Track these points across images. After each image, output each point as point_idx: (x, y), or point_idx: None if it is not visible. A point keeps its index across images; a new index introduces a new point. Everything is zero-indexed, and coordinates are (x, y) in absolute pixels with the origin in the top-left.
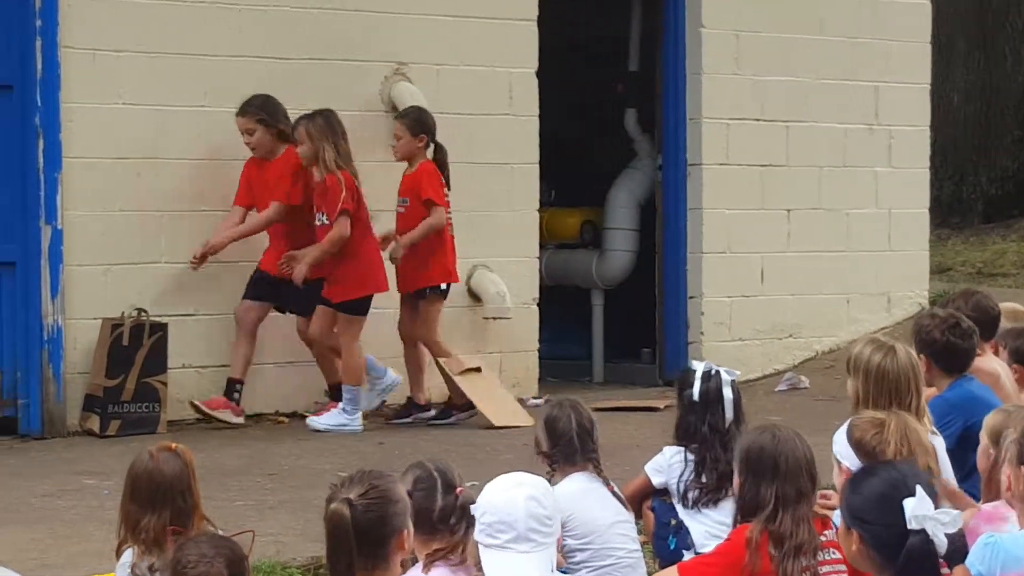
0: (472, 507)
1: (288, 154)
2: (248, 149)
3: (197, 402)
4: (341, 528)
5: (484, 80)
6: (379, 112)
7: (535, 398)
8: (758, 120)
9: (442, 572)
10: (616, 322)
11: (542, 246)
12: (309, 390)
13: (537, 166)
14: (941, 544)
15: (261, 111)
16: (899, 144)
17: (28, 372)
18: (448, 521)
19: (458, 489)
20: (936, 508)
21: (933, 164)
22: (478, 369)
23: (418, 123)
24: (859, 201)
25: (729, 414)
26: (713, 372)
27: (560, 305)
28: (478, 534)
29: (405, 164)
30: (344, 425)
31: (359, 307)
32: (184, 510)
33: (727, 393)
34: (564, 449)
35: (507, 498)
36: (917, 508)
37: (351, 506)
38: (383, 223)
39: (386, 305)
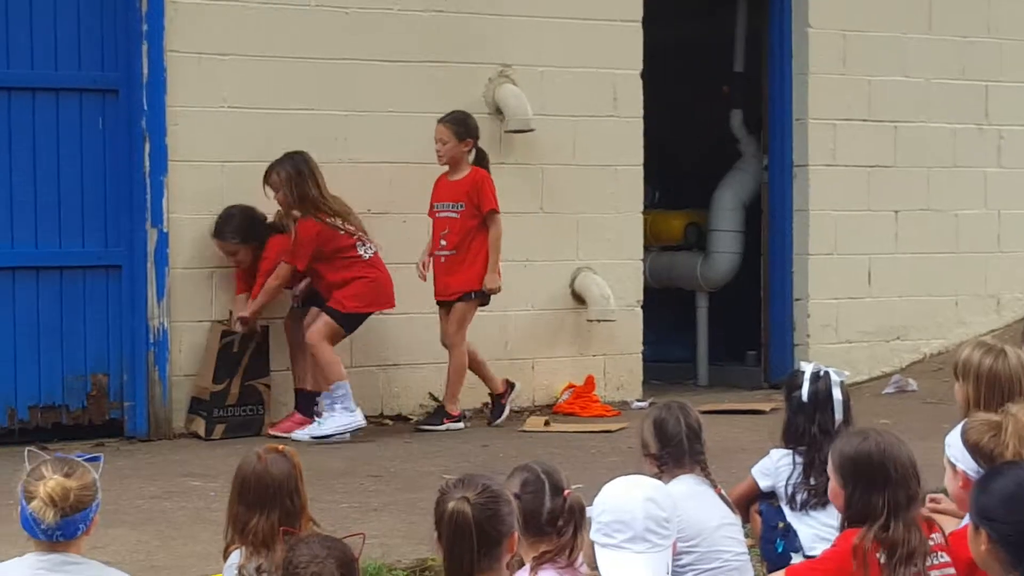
0: (588, 507)
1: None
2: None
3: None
4: (464, 526)
5: (589, 82)
6: (484, 114)
7: (639, 401)
8: (865, 120)
9: (549, 575)
10: (721, 324)
11: (646, 248)
12: (414, 392)
13: (641, 168)
14: None
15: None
16: (1009, 144)
17: (134, 375)
18: (556, 523)
19: (566, 491)
20: None
21: None
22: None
23: (463, 127)
24: (968, 202)
25: (839, 415)
26: (822, 373)
27: (664, 307)
28: (594, 533)
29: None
30: (349, 424)
31: (352, 321)
32: (292, 511)
33: (836, 394)
34: (673, 451)
35: (625, 498)
36: None
37: (473, 506)
38: (511, 225)
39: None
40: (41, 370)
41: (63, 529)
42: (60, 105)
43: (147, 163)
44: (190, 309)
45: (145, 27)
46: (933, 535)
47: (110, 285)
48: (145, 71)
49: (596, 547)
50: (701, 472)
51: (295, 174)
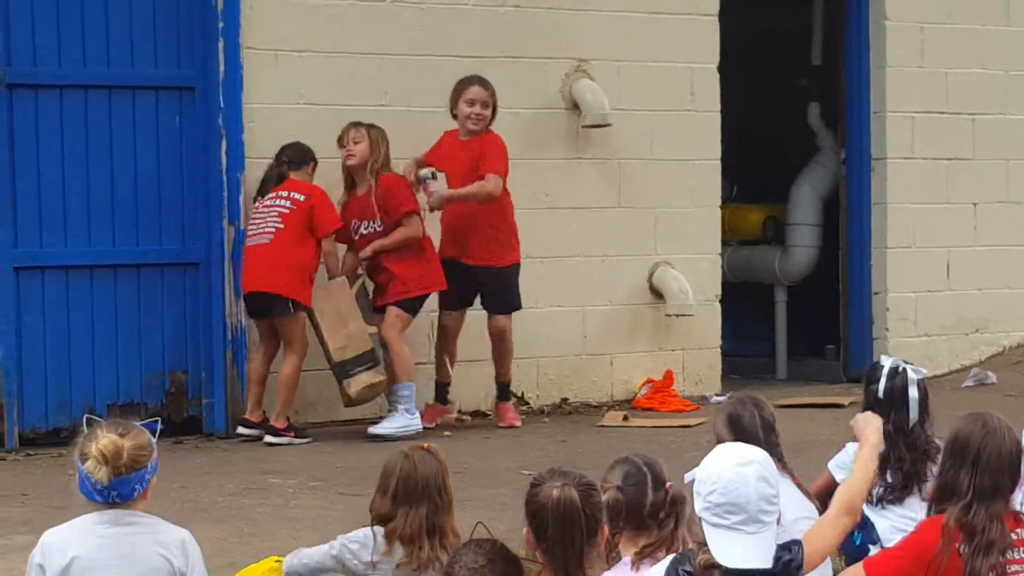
0: (691, 480)
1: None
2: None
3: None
4: (574, 512)
5: (665, 76)
6: (560, 110)
7: (718, 395)
8: (943, 113)
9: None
10: (799, 318)
11: (724, 242)
12: (490, 387)
13: (719, 162)
14: None
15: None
16: None
17: (212, 372)
18: (658, 516)
19: (668, 484)
20: None
21: None
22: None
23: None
24: None
25: (913, 414)
26: (900, 369)
27: (743, 302)
28: (703, 511)
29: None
30: (407, 426)
31: (414, 305)
32: (440, 507)
33: (912, 392)
34: (748, 443)
35: (738, 478)
36: None
37: (578, 493)
38: (571, 221)
39: None
40: (119, 368)
41: (118, 489)
42: (136, 103)
43: (224, 160)
44: None
45: (221, 24)
46: (1018, 529)
47: (187, 282)
48: (221, 68)
49: (705, 525)
50: (778, 464)
51: (382, 137)
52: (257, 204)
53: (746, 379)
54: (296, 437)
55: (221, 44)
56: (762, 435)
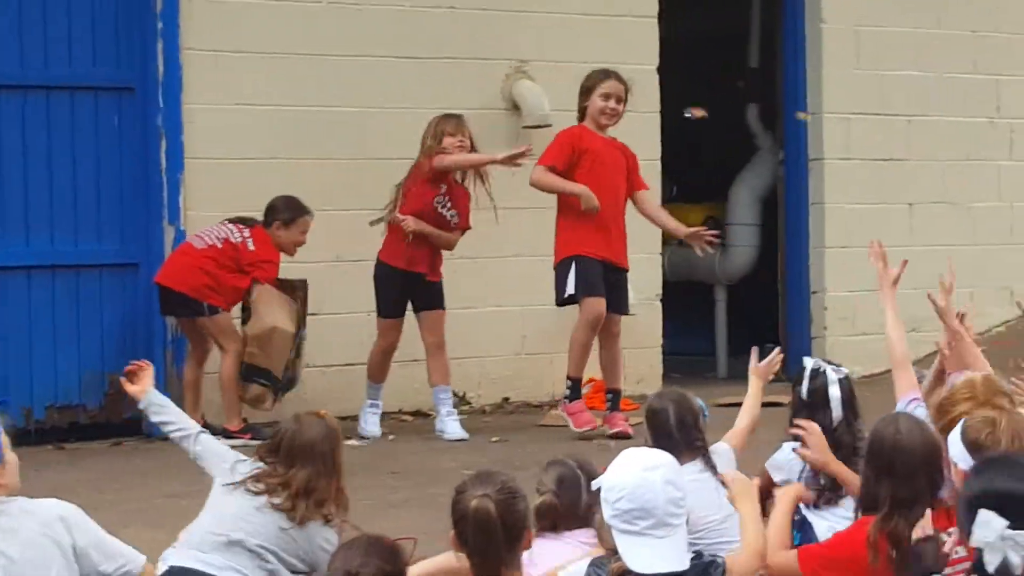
0: (598, 487)
1: None
2: None
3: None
4: (489, 523)
5: None
6: (500, 110)
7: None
8: (879, 114)
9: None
10: (739, 317)
11: (664, 242)
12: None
13: (659, 162)
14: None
15: None
16: (1021, 137)
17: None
18: (593, 513)
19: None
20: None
21: None
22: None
23: None
24: (981, 194)
25: (836, 413)
26: (821, 370)
27: (683, 301)
28: (612, 519)
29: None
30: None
31: None
32: (322, 472)
33: (834, 392)
34: (666, 442)
35: (644, 483)
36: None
37: (495, 503)
38: (513, 221)
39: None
40: (58, 369)
41: None
42: (75, 103)
43: (163, 161)
44: None
45: (160, 25)
46: (952, 528)
47: (127, 283)
48: (161, 69)
49: (615, 532)
50: (702, 460)
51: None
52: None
53: (687, 378)
54: (253, 438)
55: (160, 45)
56: (679, 432)
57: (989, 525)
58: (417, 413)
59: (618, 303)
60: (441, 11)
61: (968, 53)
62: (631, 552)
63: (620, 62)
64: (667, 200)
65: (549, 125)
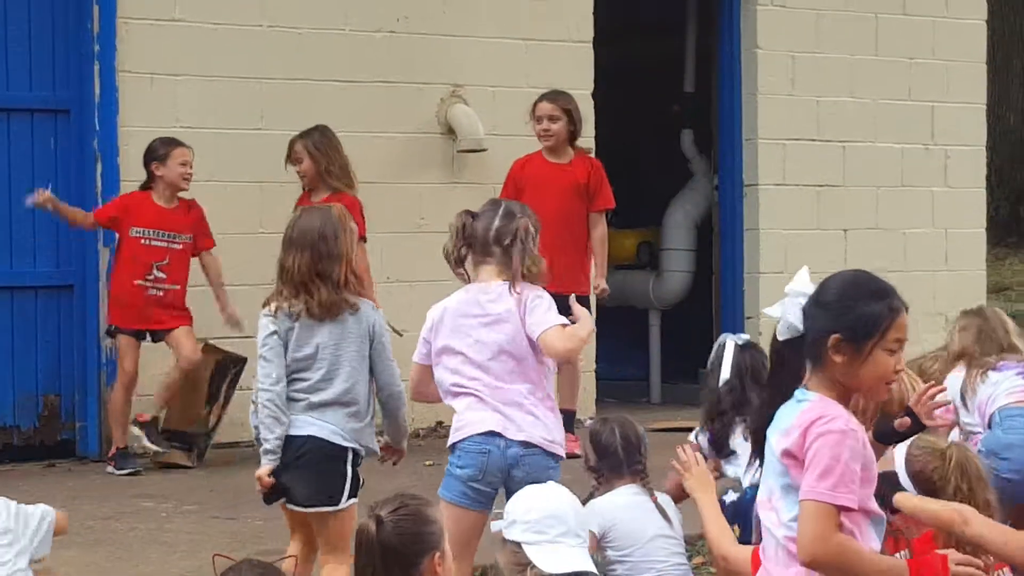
0: (502, 521)
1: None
2: None
3: None
4: (366, 543)
5: None
6: (435, 134)
7: (591, 418)
8: (814, 140)
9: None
10: (673, 342)
11: None
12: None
13: None
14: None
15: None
16: (955, 164)
17: (86, 395)
18: (502, 243)
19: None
20: None
21: (989, 184)
22: None
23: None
24: (916, 220)
25: (725, 375)
26: (723, 342)
27: (617, 326)
28: (523, 534)
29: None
30: None
31: None
32: (325, 255)
33: (727, 357)
34: (609, 461)
35: (551, 495)
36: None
37: (380, 523)
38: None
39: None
40: None
41: None
42: (11, 125)
43: (99, 183)
44: None
45: (97, 47)
46: (899, 552)
47: (62, 305)
48: (97, 91)
49: (527, 547)
50: (640, 483)
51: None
52: None
53: (621, 403)
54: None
55: (97, 67)
56: (623, 452)
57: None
58: None
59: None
60: (379, 36)
61: (903, 80)
62: (545, 561)
63: (555, 87)
64: None
65: (484, 149)
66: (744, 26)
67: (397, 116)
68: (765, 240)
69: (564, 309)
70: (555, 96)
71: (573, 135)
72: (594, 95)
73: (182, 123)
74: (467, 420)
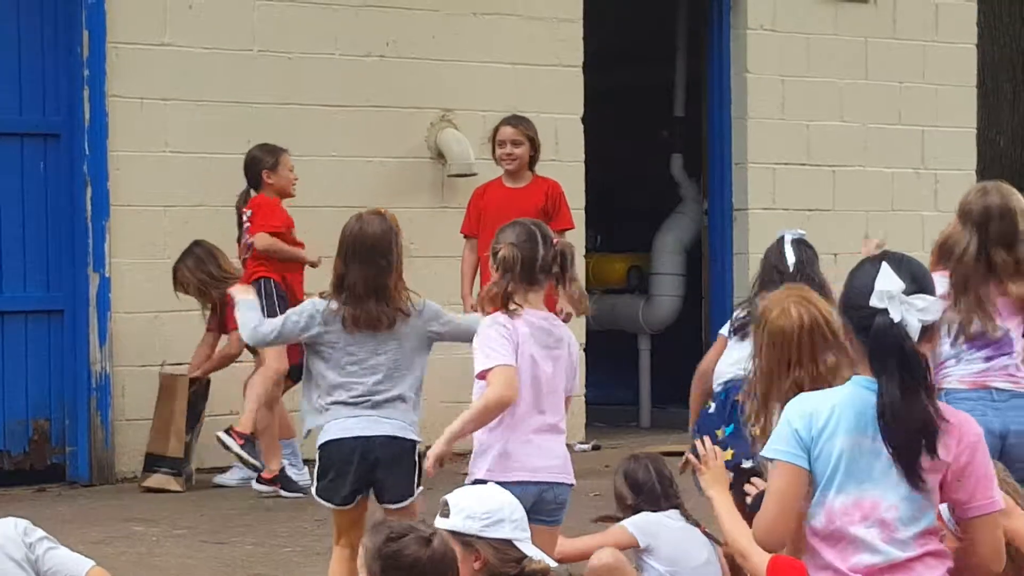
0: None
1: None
2: None
3: None
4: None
5: None
6: (425, 159)
7: (582, 443)
8: (804, 164)
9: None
10: (663, 367)
11: (588, 291)
12: None
13: (583, 211)
14: (913, 328)
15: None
16: (945, 188)
17: (76, 419)
18: (549, 269)
19: (555, 240)
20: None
21: None
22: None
23: None
24: (906, 245)
25: (790, 259)
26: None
27: (607, 350)
28: (512, 532)
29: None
30: None
31: None
32: (384, 268)
33: (787, 246)
34: (648, 497)
35: (502, 492)
36: (882, 284)
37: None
38: (436, 269)
39: None
40: None
41: None
42: (1, 149)
43: (89, 208)
44: (132, 354)
45: (87, 72)
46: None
47: (52, 330)
48: (87, 116)
49: (519, 543)
50: (682, 514)
51: None
52: None
53: (610, 427)
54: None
55: (87, 92)
56: (659, 487)
57: (891, 279)
58: None
59: None
60: (369, 60)
61: (893, 104)
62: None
63: (545, 111)
64: (591, 250)
65: (475, 174)
66: (734, 50)
67: (387, 141)
68: (754, 265)
69: None
70: (517, 121)
71: (533, 160)
72: (584, 119)
73: (172, 147)
74: None
